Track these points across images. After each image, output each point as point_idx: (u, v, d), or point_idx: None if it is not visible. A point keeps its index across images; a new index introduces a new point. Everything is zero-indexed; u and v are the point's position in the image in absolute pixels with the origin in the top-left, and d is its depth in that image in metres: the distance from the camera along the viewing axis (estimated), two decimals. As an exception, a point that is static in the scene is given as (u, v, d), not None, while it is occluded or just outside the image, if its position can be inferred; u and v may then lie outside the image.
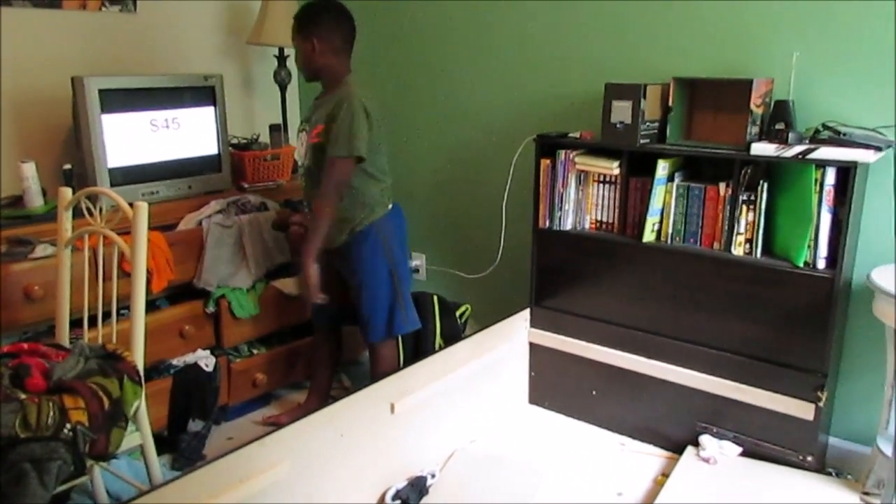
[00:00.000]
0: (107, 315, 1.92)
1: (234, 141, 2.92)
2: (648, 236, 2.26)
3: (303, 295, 2.31)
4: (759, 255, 2.10)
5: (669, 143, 2.25)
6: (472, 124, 2.90)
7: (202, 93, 2.63)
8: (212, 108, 2.66)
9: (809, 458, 2.09)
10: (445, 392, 2.26)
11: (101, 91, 2.33)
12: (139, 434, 1.79)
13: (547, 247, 2.48)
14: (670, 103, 2.22)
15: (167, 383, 2.35)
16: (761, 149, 2.03)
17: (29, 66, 2.50)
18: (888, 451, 1.94)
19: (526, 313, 2.57)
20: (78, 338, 1.95)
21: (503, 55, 2.76)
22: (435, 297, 2.73)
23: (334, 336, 2.62)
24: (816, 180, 1.96)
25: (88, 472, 1.77)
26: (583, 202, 2.42)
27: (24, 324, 2.07)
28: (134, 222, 1.77)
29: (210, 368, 2.44)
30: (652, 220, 2.25)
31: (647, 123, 2.23)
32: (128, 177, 2.43)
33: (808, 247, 2.00)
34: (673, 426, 2.31)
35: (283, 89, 3.12)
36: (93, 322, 1.93)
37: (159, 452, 1.91)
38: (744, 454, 2.19)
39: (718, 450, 2.20)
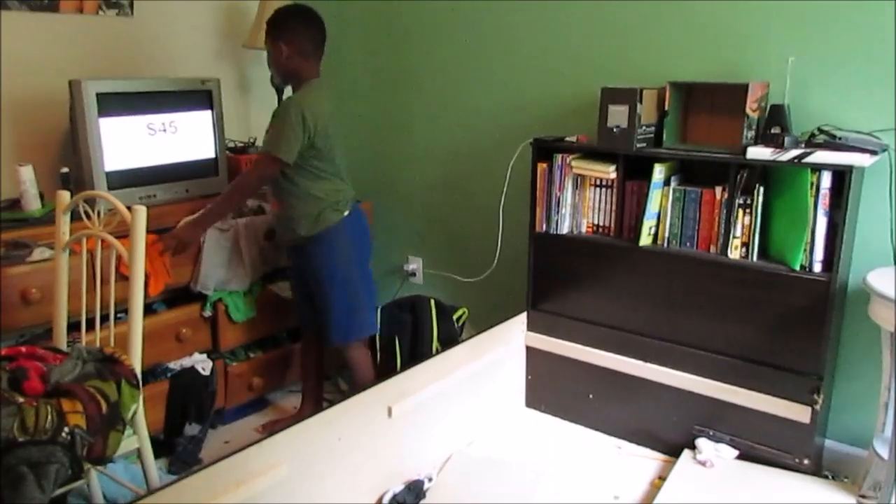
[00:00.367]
0: (104, 318, 1.91)
1: (231, 144, 2.93)
2: (645, 240, 2.27)
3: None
4: (755, 258, 2.11)
5: (665, 147, 2.26)
6: (468, 128, 2.91)
7: (199, 96, 2.64)
8: (209, 112, 2.66)
9: (806, 461, 2.09)
10: (442, 395, 2.26)
11: (98, 94, 2.33)
12: (136, 438, 1.79)
13: (544, 250, 2.49)
14: (666, 107, 2.23)
15: (164, 387, 2.35)
16: (757, 153, 2.04)
17: (26, 69, 2.50)
18: (884, 453, 1.94)
19: (523, 317, 2.57)
20: (76, 341, 1.95)
21: (499, 59, 2.77)
22: (432, 301, 2.73)
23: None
24: (812, 184, 1.97)
25: (85, 475, 1.76)
26: (579, 206, 2.43)
27: (22, 327, 2.07)
28: (132, 226, 1.77)
29: (207, 372, 2.44)
30: (648, 224, 2.26)
31: (644, 127, 2.24)
32: (125, 180, 2.43)
33: (805, 250, 2.01)
34: (669, 429, 2.32)
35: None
36: (90, 325, 1.92)
37: (156, 456, 1.91)
38: (740, 457, 2.19)
39: (715, 453, 2.20)
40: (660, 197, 2.24)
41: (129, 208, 1.79)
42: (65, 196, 1.96)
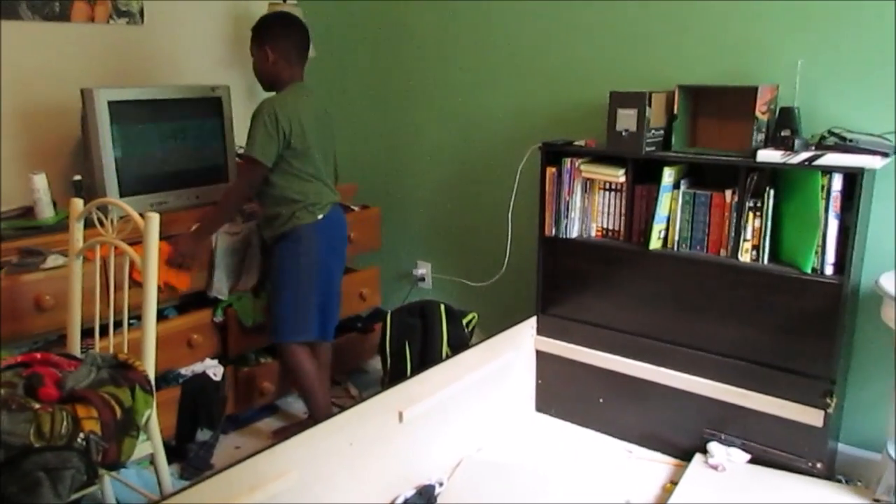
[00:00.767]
0: (117, 325, 1.93)
1: (240, 151, 2.93)
2: (654, 243, 2.27)
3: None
4: (765, 261, 2.11)
5: (674, 151, 2.26)
6: (477, 132, 2.92)
7: (209, 103, 2.65)
8: (219, 119, 2.68)
9: (819, 465, 2.08)
10: (452, 400, 2.26)
11: (109, 102, 2.34)
12: (150, 443, 1.80)
13: (553, 254, 2.49)
14: (675, 111, 2.24)
15: (175, 392, 2.35)
16: (767, 155, 2.04)
17: (38, 78, 2.52)
18: (898, 457, 1.94)
19: (532, 321, 2.57)
20: (89, 347, 1.97)
21: (508, 63, 2.78)
22: (442, 306, 2.74)
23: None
24: (823, 186, 1.97)
25: (99, 481, 1.77)
26: (588, 210, 2.43)
27: (35, 334, 2.08)
28: (145, 233, 1.78)
29: (218, 377, 2.44)
30: (658, 227, 2.26)
31: (652, 131, 2.24)
32: (136, 187, 2.45)
33: (816, 253, 2.01)
34: (680, 433, 2.31)
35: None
36: (103, 331, 1.94)
37: (168, 462, 1.92)
38: (752, 461, 2.18)
39: (726, 457, 2.20)
40: (669, 200, 2.24)
41: (141, 215, 1.81)
42: (78, 203, 1.98)
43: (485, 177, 2.92)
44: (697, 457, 2.25)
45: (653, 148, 2.25)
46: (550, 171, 2.44)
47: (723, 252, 2.17)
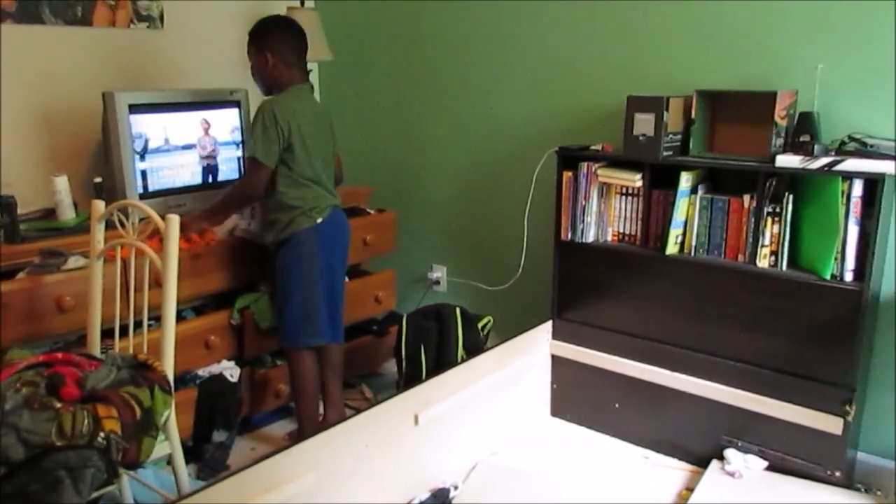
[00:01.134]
0: (137, 325, 1.95)
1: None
2: (671, 248, 2.26)
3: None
4: (784, 267, 2.09)
5: (692, 156, 2.25)
6: (493, 137, 2.92)
7: (228, 106, 2.68)
8: (237, 122, 2.70)
9: (837, 473, 2.06)
10: (468, 404, 2.26)
11: (130, 105, 2.37)
12: (168, 443, 1.82)
13: (569, 259, 2.49)
14: (692, 115, 2.23)
15: (193, 393, 2.37)
16: (786, 161, 2.02)
17: (60, 81, 2.56)
18: (918, 466, 1.92)
19: (548, 325, 2.57)
20: (109, 348, 1.99)
21: (524, 67, 2.78)
22: (457, 309, 2.74)
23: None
24: (843, 192, 1.95)
25: (118, 480, 1.79)
26: (605, 214, 2.42)
27: (56, 334, 2.11)
28: (165, 235, 1.80)
29: (234, 379, 2.46)
30: (675, 233, 2.25)
31: (670, 136, 2.23)
32: (156, 189, 2.47)
33: (835, 259, 1.99)
34: (697, 440, 2.30)
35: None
36: (123, 332, 1.96)
37: (185, 462, 1.93)
38: (769, 468, 2.17)
39: (744, 464, 2.18)
40: (686, 205, 2.23)
41: (162, 217, 1.83)
42: (100, 205, 2.00)
43: (501, 181, 2.92)
44: (714, 463, 2.23)
45: (670, 153, 2.25)
46: (567, 175, 2.44)
47: (740, 258, 2.16)
